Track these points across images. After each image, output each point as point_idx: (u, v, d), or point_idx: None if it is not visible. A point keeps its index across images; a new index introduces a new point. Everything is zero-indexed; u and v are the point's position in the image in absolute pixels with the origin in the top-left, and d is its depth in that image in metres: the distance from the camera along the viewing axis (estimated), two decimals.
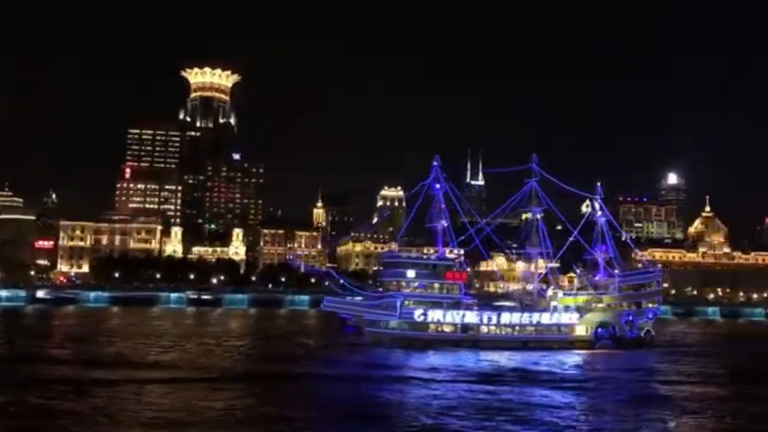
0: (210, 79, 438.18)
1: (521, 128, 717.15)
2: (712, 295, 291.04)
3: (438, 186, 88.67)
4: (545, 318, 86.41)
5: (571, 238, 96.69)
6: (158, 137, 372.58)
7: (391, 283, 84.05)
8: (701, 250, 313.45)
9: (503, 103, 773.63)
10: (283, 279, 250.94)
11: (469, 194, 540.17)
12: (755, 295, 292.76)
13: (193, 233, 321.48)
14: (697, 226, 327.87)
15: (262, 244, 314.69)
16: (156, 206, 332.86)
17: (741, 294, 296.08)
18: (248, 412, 43.70)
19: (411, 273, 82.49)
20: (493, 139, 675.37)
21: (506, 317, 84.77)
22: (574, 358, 79.60)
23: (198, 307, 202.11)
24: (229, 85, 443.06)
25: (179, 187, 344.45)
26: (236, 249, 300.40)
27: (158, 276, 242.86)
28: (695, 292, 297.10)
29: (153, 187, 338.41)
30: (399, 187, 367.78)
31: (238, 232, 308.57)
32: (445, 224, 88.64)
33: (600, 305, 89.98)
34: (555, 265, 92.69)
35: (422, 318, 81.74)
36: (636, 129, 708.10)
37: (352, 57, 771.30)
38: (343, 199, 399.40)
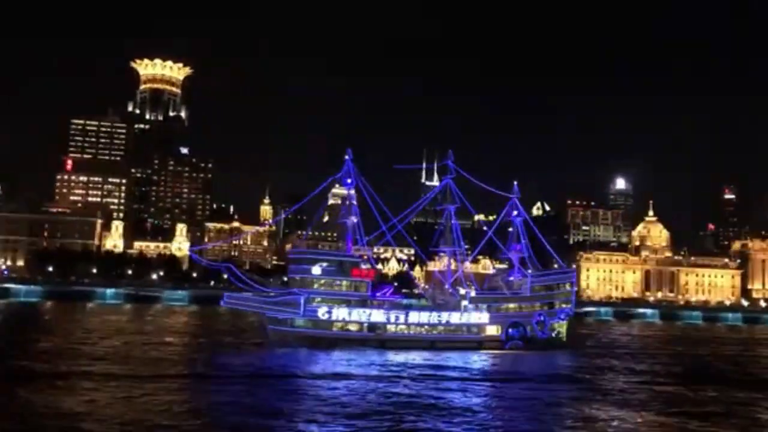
0: (161, 71, 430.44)
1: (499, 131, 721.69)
2: (652, 298, 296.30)
3: (349, 181, 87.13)
4: (455, 318, 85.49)
5: (486, 238, 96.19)
6: (103, 129, 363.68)
7: (296, 280, 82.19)
8: (644, 253, 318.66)
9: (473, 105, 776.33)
10: (225, 276, 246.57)
11: (425, 195, 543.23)
12: (693, 299, 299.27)
13: (136, 228, 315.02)
14: (640, 230, 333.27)
15: (206, 239, 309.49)
16: (99, 199, 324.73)
17: (680, 297, 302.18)
18: (137, 415, 41.60)
19: (316, 269, 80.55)
20: (464, 140, 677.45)
21: (414, 316, 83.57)
22: (482, 359, 79.04)
23: (136, 304, 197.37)
24: (181, 78, 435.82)
25: (123, 181, 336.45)
26: (179, 244, 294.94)
27: (94, 271, 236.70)
28: (636, 295, 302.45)
29: (96, 179, 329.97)
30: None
31: (181, 227, 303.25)
32: (355, 220, 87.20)
33: (512, 305, 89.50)
34: (468, 263, 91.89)
35: (327, 316, 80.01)
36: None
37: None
38: (299, 198, 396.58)
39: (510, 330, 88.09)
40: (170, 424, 39.06)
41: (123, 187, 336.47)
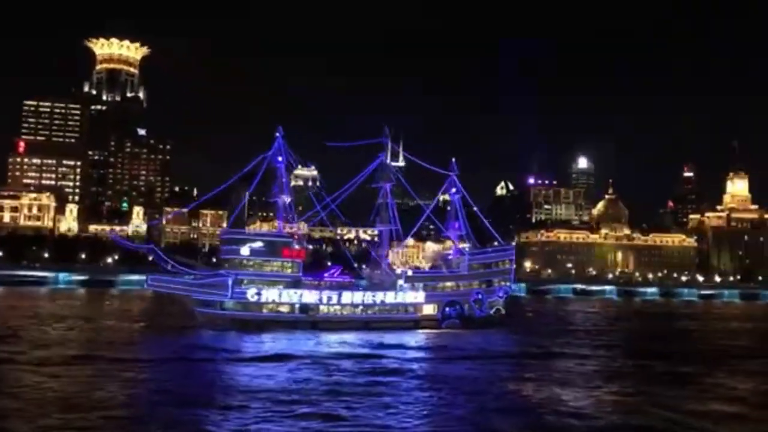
0: (117, 50, 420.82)
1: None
2: (611, 275, 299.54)
3: (280, 159, 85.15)
4: (390, 297, 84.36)
5: (425, 216, 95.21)
6: (57, 110, 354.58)
7: (226, 261, 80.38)
8: (603, 231, 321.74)
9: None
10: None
11: (390, 176, 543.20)
12: (651, 275, 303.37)
13: (92, 211, 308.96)
14: (599, 208, 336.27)
15: (164, 222, 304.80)
16: (53, 182, 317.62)
17: (638, 274, 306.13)
18: (77, 396, 40.45)
19: (245, 250, 78.69)
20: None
21: (347, 297, 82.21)
22: (418, 338, 78.28)
23: (90, 288, 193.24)
24: (138, 57, 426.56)
25: (78, 163, 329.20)
26: (136, 227, 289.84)
27: (47, 255, 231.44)
28: (596, 272, 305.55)
29: (50, 162, 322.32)
30: (312, 167, 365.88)
31: (138, 210, 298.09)
32: (287, 199, 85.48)
33: (449, 284, 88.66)
34: (404, 242, 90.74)
35: (256, 298, 78.28)
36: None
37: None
38: (264, 178, 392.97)
39: (447, 309, 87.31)
40: (94, 415, 37.18)
41: (78, 170, 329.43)
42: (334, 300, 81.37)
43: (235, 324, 76.26)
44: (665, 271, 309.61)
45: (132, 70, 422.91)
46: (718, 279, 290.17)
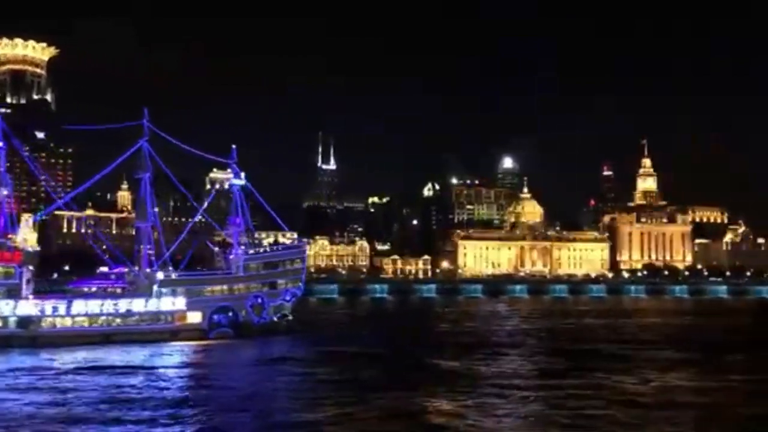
0: (22, 51, 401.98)
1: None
2: (523, 273, 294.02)
3: (1, 145, 73.90)
4: (138, 305, 73.84)
5: (198, 215, 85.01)
6: None
7: None
8: (518, 230, 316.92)
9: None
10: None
11: (321, 178, 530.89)
12: (563, 273, 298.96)
13: None
14: (515, 207, 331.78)
15: (58, 229, 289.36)
16: None
17: (548, 271, 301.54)
18: None
19: None
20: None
21: (80, 306, 71.45)
22: (169, 352, 68.29)
23: None
24: (45, 58, 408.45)
25: None
26: (25, 236, 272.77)
27: None
28: (512, 271, 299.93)
29: None
30: (228, 170, 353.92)
31: (27, 217, 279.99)
32: (6, 193, 74.41)
33: (218, 287, 78.44)
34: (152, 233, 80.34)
35: None
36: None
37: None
38: (186, 184, 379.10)
39: (215, 316, 77.14)
40: None
41: None
42: (62, 311, 70.35)
43: None
44: (579, 269, 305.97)
45: (38, 71, 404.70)
46: (626, 275, 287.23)
